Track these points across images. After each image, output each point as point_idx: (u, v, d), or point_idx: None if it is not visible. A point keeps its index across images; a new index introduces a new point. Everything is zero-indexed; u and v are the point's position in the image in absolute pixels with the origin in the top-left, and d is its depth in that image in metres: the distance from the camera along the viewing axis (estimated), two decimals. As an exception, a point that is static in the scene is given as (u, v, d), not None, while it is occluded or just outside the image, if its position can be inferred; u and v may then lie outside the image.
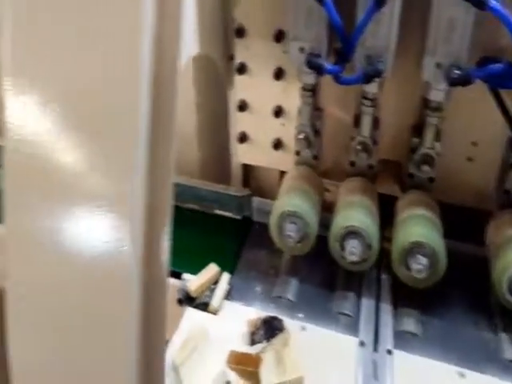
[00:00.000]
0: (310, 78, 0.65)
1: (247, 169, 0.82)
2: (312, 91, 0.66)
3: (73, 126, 0.36)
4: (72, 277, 0.38)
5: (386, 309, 0.64)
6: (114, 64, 0.35)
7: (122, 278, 0.37)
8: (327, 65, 0.60)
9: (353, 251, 0.61)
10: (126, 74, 0.36)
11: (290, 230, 0.63)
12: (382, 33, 0.58)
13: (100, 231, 0.36)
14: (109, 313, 0.38)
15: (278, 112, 0.73)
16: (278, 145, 0.74)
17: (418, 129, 0.66)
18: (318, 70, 0.60)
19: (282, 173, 0.77)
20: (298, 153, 0.71)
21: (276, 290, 0.67)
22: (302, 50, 0.62)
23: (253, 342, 0.60)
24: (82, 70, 0.36)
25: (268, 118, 0.73)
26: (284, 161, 0.75)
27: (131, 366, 0.38)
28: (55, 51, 0.36)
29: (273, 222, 0.65)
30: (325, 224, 0.66)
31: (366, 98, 0.64)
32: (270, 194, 0.79)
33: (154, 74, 0.36)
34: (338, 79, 0.60)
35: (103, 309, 0.38)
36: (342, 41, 0.59)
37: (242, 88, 0.74)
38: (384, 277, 0.68)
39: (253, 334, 0.60)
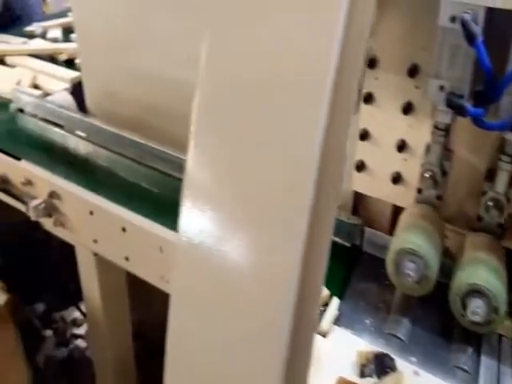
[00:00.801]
0: (445, 118, 0.64)
1: (358, 197, 0.82)
2: (445, 131, 0.65)
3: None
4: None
5: (508, 373, 0.60)
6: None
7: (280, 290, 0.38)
8: (470, 107, 0.59)
9: (476, 311, 0.58)
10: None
11: (409, 268, 0.62)
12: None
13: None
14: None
15: (402, 146, 0.72)
16: (397, 179, 0.74)
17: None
18: (460, 111, 0.59)
19: (396, 207, 0.76)
20: (419, 190, 0.70)
21: (387, 327, 0.66)
22: (441, 88, 0.61)
23: (362, 375, 0.60)
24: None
25: (390, 150, 0.73)
26: (402, 196, 0.74)
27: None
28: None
29: (390, 257, 0.65)
30: (443, 270, 0.64)
31: (505, 154, 0.62)
32: (379, 227, 0.78)
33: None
34: (480, 123, 0.59)
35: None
36: (489, 84, 0.57)
37: (366, 117, 0.74)
38: (505, 338, 0.65)
39: (363, 366, 0.60)
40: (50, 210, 0.90)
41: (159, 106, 1.01)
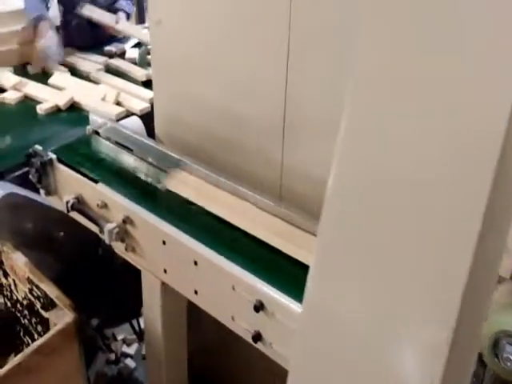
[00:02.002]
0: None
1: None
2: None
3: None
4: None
5: None
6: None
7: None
8: None
9: None
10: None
11: (510, 352, 0.60)
12: None
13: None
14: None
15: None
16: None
17: None
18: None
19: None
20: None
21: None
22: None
23: None
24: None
25: None
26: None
27: None
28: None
29: (486, 341, 0.62)
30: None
31: None
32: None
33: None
34: None
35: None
36: None
37: None
38: None
39: None
40: (123, 235, 0.93)
41: (225, 138, 1.04)
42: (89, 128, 1.23)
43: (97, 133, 1.22)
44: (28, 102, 1.54)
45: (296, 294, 0.67)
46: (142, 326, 1.40)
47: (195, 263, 0.79)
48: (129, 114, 1.48)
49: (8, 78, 1.65)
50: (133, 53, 1.96)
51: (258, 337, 0.69)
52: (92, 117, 1.23)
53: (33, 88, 1.60)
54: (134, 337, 1.43)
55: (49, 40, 1.72)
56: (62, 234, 1.29)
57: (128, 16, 2.01)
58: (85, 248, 1.31)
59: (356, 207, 0.40)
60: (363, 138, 0.40)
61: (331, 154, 0.85)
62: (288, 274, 0.72)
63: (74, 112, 1.50)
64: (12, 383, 0.82)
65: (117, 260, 1.26)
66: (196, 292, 0.81)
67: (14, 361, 0.84)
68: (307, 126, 0.89)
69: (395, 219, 0.38)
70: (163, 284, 0.91)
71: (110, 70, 1.79)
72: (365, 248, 0.39)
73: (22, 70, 1.75)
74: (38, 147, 1.11)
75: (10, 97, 1.54)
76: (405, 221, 0.38)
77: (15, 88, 1.59)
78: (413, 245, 0.38)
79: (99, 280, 1.32)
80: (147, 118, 1.45)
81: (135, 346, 1.43)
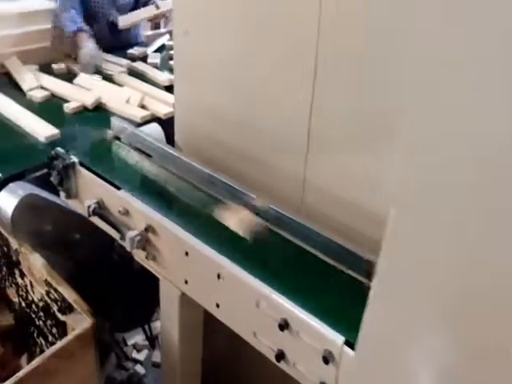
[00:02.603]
0: None
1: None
2: None
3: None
4: None
5: None
6: None
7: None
8: None
9: None
10: None
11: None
12: None
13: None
14: None
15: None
16: None
17: None
18: None
19: None
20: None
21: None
22: None
23: None
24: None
25: None
26: None
27: None
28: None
29: None
30: None
31: None
32: None
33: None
34: None
35: None
36: None
37: None
38: None
39: None
40: (145, 243, 0.93)
41: (245, 150, 1.04)
42: (110, 133, 1.24)
43: (117, 138, 1.22)
44: (55, 101, 1.57)
45: (320, 312, 0.67)
46: (154, 332, 1.40)
47: (218, 276, 0.79)
48: (153, 117, 1.49)
49: (35, 75, 1.68)
50: (155, 57, 1.99)
51: (281, 356, 0.68)
52: (113, 121, 1.24)
53: (59, 86, 1.62)
54: (145, 343, 1.43)
55: (89, 49, 1.79)
56: (78, 236, 1.30)
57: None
58: (99, 252, 1.31)
59: (418, 247, 0.40)
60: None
61: (355, 170, 0.85)
62: (314, 292, 0.72)
63: (100, 112, 1.52)
64: (30, 386, 0.83)
65: (132, 266, 1.26)
66: (218, 305, 0.81)
67: (32, 364, 0.84)
68: (332, 143, 0.89)
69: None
70: (183, 294, 0.91)
71: (133, 74, 1.81)
72: (428, 287, 0.39)
73: (47, 68, 1.78)
74: (60, 150, 1.12)
75: (37, 95, 1.56)
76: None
77: (42, 86, 1.61)
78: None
79: (112, 284, 1.32)
80: (166, 123, 1.46)
81: (145, 352, 1.43)
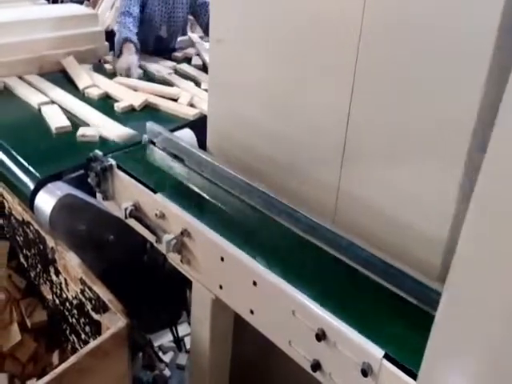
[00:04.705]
0: None
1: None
2: None
3: None
4: None
5: None
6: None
7: None
8: None
9: None
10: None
11: None
12: None
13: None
14: None
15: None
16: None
17: None
18: None
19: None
20: None
21: None
22: None
23: None
24: None
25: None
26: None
27: None
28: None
29: None
30: None
31: None
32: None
33: None
34: None
35: None
36: None
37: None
38: None
39: None
40: (180, 247, 0.95)
41: (278, 160, 1.04)
42: (145, 137, 1.26)
43: (152, 142, 1.25)
44: (107, 99, 1.68)
45: (357, 324, 0.67)
46: (180, 334, 1.42)
47: (254, 283, 0.80)
48: (203, 116, 1.56)
49: (89, 74, 1.79)
50: (198, 59, 2.10)
51: (317, 366, 0.69)
52: (148, 126, 1.26)
53: (111, 86, 1.74)
54: (170, 345, 1.45)
55: (126, 59, 1.89)
56: (111, 237, 1.32)
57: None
58: (131, 253, 1.34)
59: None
60: None
61: (390, 182, 0.85)
62: (351, 303, 0.73)
63: (146, 111, 1.63)
64: (66, 382, 0.85)
65: (162, 269, 1.28)
66: (252, 312, 0.82)
67: (68, 361, 0.86)
68: (368, 154, 0.89)
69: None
70: (215, 299, 0.92)
71: (178, 75, 1.92)
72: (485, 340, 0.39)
73: (99, 67, 1.92)
74: (98, 152, 1.15)
75: (93, 92, 1.68)
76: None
77: (95, 85, 1.72)
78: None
79: (141, 286, 1.34)
80: (197, 127, 1.49)
81: (170, 354, 1.44)
